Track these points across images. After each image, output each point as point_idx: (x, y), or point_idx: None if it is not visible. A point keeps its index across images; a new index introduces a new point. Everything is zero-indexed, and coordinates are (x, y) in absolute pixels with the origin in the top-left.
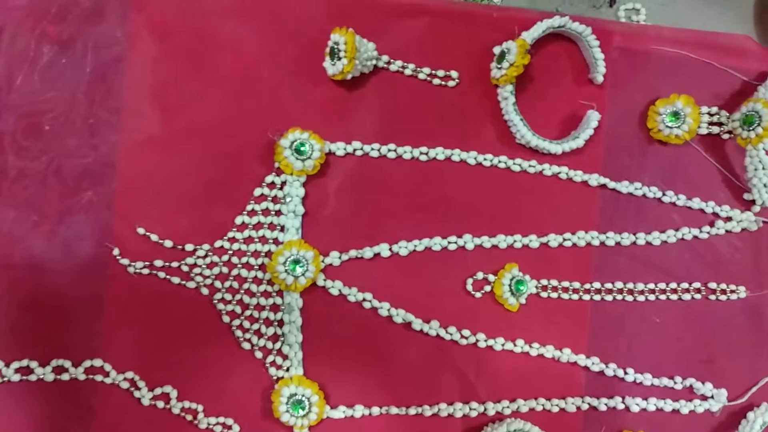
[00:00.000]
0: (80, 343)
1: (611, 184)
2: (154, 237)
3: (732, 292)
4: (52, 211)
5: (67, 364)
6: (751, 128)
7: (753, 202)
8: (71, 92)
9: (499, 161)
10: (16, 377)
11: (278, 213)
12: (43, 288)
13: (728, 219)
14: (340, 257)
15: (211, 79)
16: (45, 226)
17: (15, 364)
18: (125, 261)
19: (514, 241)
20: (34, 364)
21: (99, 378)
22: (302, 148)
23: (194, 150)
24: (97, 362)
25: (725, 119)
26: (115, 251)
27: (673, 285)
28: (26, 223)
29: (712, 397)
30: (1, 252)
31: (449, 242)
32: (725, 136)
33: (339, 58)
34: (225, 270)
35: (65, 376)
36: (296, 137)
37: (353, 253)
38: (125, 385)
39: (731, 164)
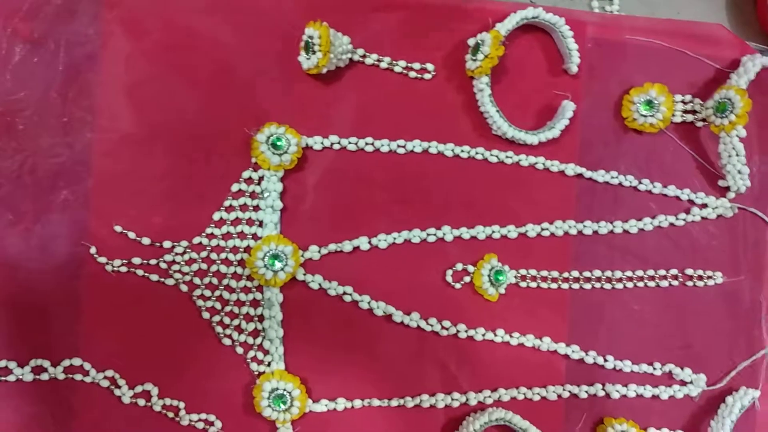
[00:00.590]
0: (59, 343)
1: (588, 174)
2: (131, 235)
3: (709, 278)
4: (28, 210)
5: (46, 363)
6: (724, 115)
7: (728, 188)
8: (44, 91)
9: (476, 153)
10: None
11: (256, 208)
12: (19, 287)
13: (704, 206)
14: (319, 251)
15: (186, 76)
16: (21, 225)
17: None
18: (103, 259)
19: (493, 231)
20: (12, 365)
21: (79, 377)
22: (279, 143)
23: (170, 147)
24: (77, 361)
25: (699, 107)
26: (92, 250)
27: (651, 272)
28: (1, 223)
29: (691, 382)
30: None
31: (428, 234)
32: (699, 124)
33: (314, 52)
34: (204, 266)
35: (44, 376)
36: (272, 132)
37: (332, 247)
38: (105, 383)
39: (706, 151)
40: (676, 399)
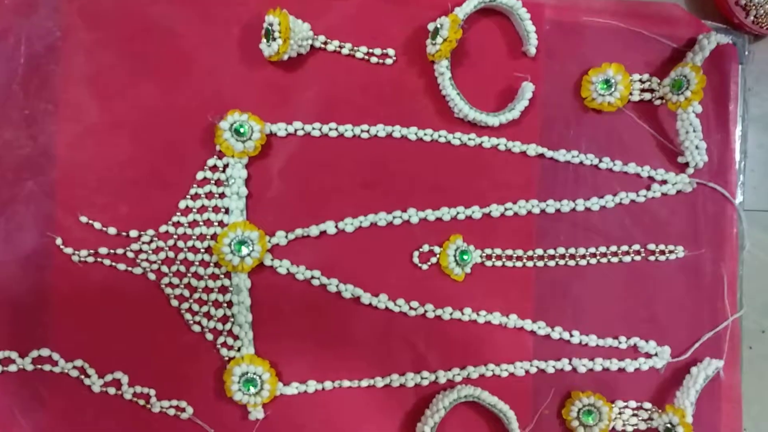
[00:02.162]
0: (27, 334)
1: (549, 154)
2: (97, 225)
3: (671, 252)
4: None
5: (14, 355)
6: (680, 92)
7: (686, 164)
8: (6, 84)
9: (439, 136)
10: None
11: (222, 195)
12: None
13: (663, 182)
14: (286, 236)
15: (148, 66)
16: None
17: None
18: (69, 250)
19: (458, 213)
20: None
21: (48, 368)
22: (242, 130)
23: (134, 137)
24: (45, 352)
25: (656, 85)
26: (58, 240)
27: (614, 248)
28: None
29: (656, 354)
30: None
31: (394, 217)
32: (657, 102)
33: (274, 39)
34: (171, 254)
35: (12, 368)
36: (235, 119)
37: (299, 231)
38: (75, 373)
39: (664, 129)
40: (642, 371)
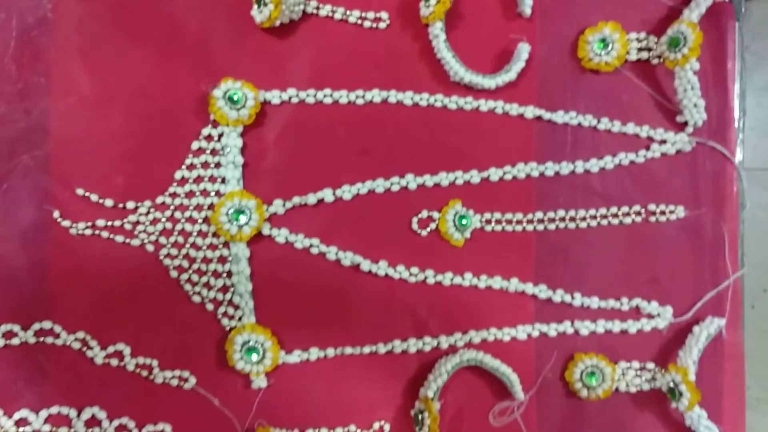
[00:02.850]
0: (28, 308)
1: (547, 116)
2: (93, 197)
3: (671, 212)
4: None
5: (16, 328)
6: (677, 50)
7: (685, 123)
8: None
9: (435, 100)
10: None
11: (218, 165)
12: None
13: (663, 142)
14: (284, 205)
15: (139, 36)
16: None
17: None
18: (66, 223)
19: (456, 177)
20: None
21: (50, 340)
22: (235, 97)
23: (128, 108)
24: (47, 324)
25: (653, 44)
26: (56, 214)
27: (614, 210)
28: None
29: (658, 315)
30: None
31: (392, 183)
32: (655, 62)
33: (265, 5)
34: (169, 225)
35: (15, 341)
36: (229, 87)
37: (297, 200)
38: (77, 345)
39: (662, 88)
40: (644, 332)
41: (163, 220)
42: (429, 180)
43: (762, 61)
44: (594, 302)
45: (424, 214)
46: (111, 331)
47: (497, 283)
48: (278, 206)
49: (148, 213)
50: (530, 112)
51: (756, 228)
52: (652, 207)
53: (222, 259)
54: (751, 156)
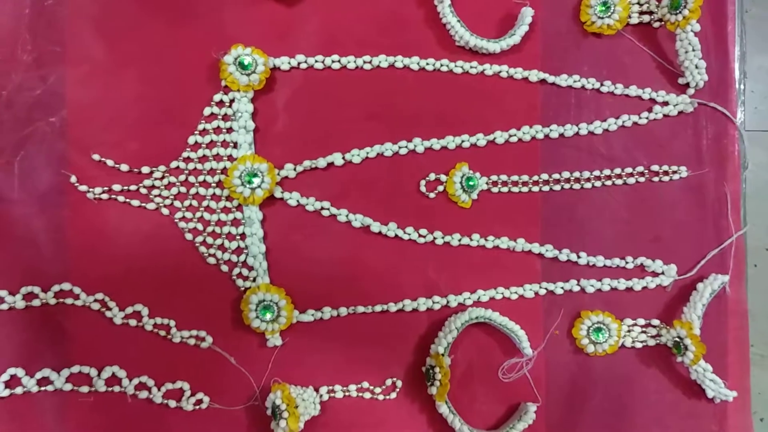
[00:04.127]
0: (48, 270)
1: (551, 79)
2: (109, 162)
3: (674, 172)
4: (7, 144)
5: (37, 290)
6: (678, 11)
7: (687, 85)
8: (14, 28)
9: (441, 65)
10: None
11: (230, 130)
12: (4, 219)
13: (665, 103)
14: (295, 169)
15: (151, 4)
16: (2, 158)
17: None
18: (83, 187)
19: (462, 141)
20: (3, 293)
21: (70, 301)
22: (246, 62)
23: (141, 75)
24: (66, 286)
25: (655, 7)
26: (73, 178)
27: (618, 171)
28: None
29: (662, 273)
30: None
31: (400, 147)
32: (656, 25)
33: None
34: (183, 189)
35: (36, 303)
36: (239, 53)
37: (307, 163)
38: (96, 306)
39: (664, 51)
40: (649, 290)
41: (178, 184)
42: (436, 143)
43: (762, 24)
44: (599, 261)
45: (432, 176)
46: (129, 293)
47: (504, 243)
48: (289, 170)
49: (162, 177)
50: (534, 75)
51: (757, 188)
52: (655, 167)
53: (236, 222)
54: (752, 118)
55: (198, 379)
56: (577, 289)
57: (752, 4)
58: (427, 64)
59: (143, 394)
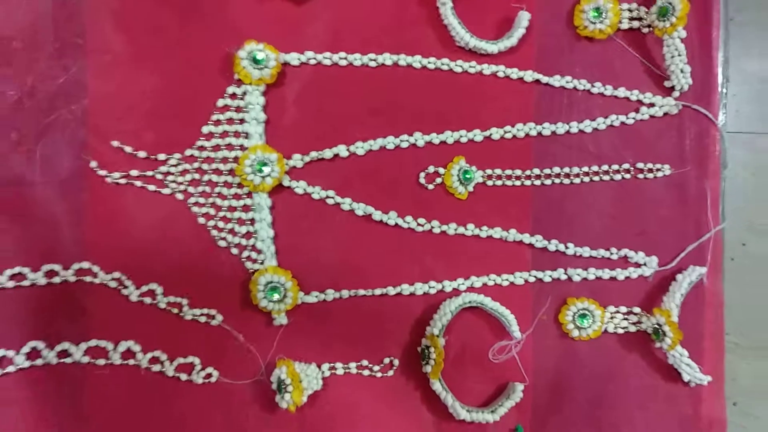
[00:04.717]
0: (68, 250)
1: (544, 79)
2: (127, 149)
3: (658, 170)
4: (30, 131)
5: (58, 267)
6: (666, 18)
7: (672, 88)
8: (37, 20)
9: (442, 64)
10: (11, 284)
11: (242, 121)
12: (27, 202)
13: (651, 105)
14: (302, 159)
15: (168, 1)
16: (24, 145)
17: (8, 272)
18: (103, 172)
19: (460, 136)
20: (26, 270)
21: (88, 279)
22: (259, 57)
23: (159, 67)
24: (85, 265)
25: (644, 14)
26: (93, 164)
27: (605, 167)
28: (6, 144)
29: (644, 264)
30: None
31: (401, 140)
32: (645, 31)
33: None
34: (197, 176)
35: (56, 280)
36: (252, 48)
37: (314, 154)
38: (113, 284)
39: (652, 56)
40: (632, 279)
41: (192, 171)
42: (435, 138)
43: (745, 32)
44: (585, 252)
45: (431, 169)
46: (144, 272)
47: (497, 233)
48: (297, 160)
49: (177, 164)
50: (529, 76)
51: (736, 186)
52: (640, 165)
53: (246, 208)
54: (733, 120)
55: (208, 354)
56: (564, 277)
57: (737, 11)
58: (429, 62)
59: (156, 368)
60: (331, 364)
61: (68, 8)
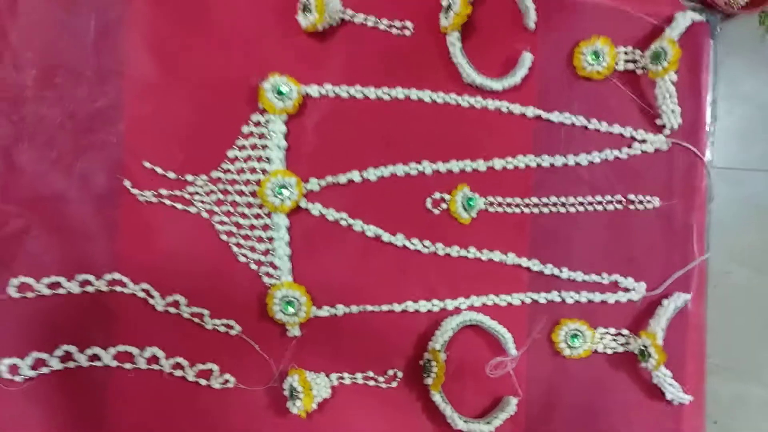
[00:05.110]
0: (101, 261)
1: (545, 115)
2: (159, 170)
3: (648, 202)
4: (69, 150)
5: (91, 277)
6: (659, 63)
7: (663, 126)
8: (80, 47)
9: (450, 98)
10: (48, 291)
11: (264, 147)
12: (66, 216)
13: (643, 141)
14: (319, 183)
15: (201, 33)
16: (64, 163)
17: (45, 280)
18: (135, 191)
19: (465, 165)
20: (62, 279)
21: (119, 289)
22: (282, 90)
23: (190, 95)
24: (117, 276)
25: (639, 57)
26: (127, 183)
27: (599, 198)
28: (47, 162)
29: (633, 289)
30: (28, 186)
31: (410, 168)
32: (639, 72)
33: (310, 12)
34: (221, 197)
35: (90, 289)
36: (276, 81)
37: (330, 179)
38: (141, 294)
39: (645, 95)
40: (621, 303)
41: (217, 191)
42: (442, 166)
43: (733, 74)
44: (579, 276)
45: (437, 195)
46: (170, 284)
47: (497, 256)
48: (314, 184)
49: (204, 185)
50: (530, 111)
51: (721, 219)
52: (631, 197)
53: (265, 227)
54: (719, 156)
55: (226, 361)
56: (558, 299)
57: (725, 55)
58: (438, 97)
59: (178, 373)
60: (340, 374)
61: (110, 38)
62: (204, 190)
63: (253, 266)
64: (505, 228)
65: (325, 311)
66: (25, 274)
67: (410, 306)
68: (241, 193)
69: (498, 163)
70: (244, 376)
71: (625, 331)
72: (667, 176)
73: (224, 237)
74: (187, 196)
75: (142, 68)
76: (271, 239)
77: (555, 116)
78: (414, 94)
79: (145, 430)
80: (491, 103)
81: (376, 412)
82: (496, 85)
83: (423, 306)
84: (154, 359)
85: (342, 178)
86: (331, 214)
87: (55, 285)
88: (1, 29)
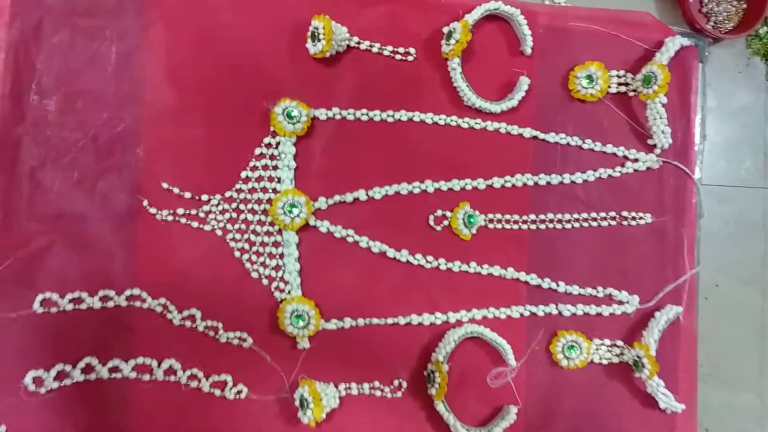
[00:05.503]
0: (120, 277)
1: (541, 136)
2: (175, 190)
3: (640, 218)
4: (91, 171)
5: (111, 293)
6: (650, 86)
7: (654, 145)
8: (101, 74)
9: (451, 120)
10: (70, 306)
11: (275, 168)
12: (86, 234)
13: (635, 160)
14: (326, 202)
15: (215, 60)
16: (86, 183)
17: (69, 296)
18: (153, 210)
19: (466, 184)
20: (84, 295)
21: (137, 304)
22: (292, 113)
23: (205, 118)
24: (136, 291)
25: (630, 80)
26: (145, 202)
27: (594, 214)
28: (70, 182)
29: (627, 302)
30: (52, 204)
31: (414, 187)
32: (631, 94)
33: (319, 40)
34: (234, 215)
35: (110, 304)
36: (287, 105)
37: (337, 198)
38: (159, 309)
39: (636, 116)
40: (616, 315)
41: (230, 210)
42: (444, 185)
43: (720, 95)
44: (575, 289)
45: (439, 212)
46: (186, 299)
47: (497, 271)
48: (322, 203)
49: (218, 204)
50: (528, 132)
51: (710, 234)
52: (624, 213)
53: (276, 244)
54: (708, 174)
55: (239, 372)
56: (555, 312)
57: (714, 77)
58: (440, 119)
59: (194, 384)
60: (347, 385)
61: (130, 67)
62: (218, 209)
63: (265, 281)
64: (504, 244)
65: (333, 324)
66: (48, 289)
67: (414, 319)
68: (253, 211)
69: (497, 182)
70: (257, 386)
71: (619, 343)
72: (658, 193)
73: (237, 254)
74: (202, 214)
75: (159, 94)
76: (281, 255)
77: (551, 137)
78: (417, 116)
79: None
80: (490, 125)
81: (382, 421)
82: (495, 107)
83: (426, 319)
84: (171, 371)
85: (348, 197)
86: (339, 231)
87: (77, 300)
88: (27, 56)
